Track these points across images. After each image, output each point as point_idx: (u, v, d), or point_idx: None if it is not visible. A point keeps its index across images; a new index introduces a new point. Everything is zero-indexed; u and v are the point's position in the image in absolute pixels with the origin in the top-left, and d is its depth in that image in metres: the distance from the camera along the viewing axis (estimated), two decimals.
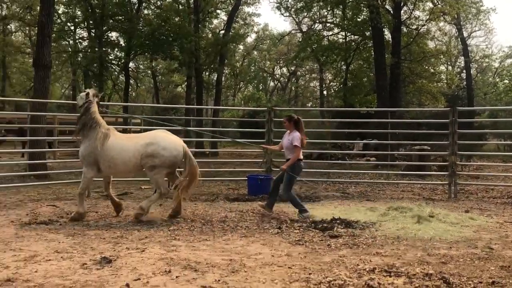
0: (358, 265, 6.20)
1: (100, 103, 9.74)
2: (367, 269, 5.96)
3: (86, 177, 9.29)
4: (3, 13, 35.04)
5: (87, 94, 9.50)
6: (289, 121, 9.88)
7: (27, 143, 16.55)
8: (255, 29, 56.58)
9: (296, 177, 9.85)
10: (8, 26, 41.69)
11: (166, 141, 9.26)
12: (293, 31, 52.21)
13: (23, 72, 42.42)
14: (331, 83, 52.69)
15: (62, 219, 9.19)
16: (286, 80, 68.75)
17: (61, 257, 6.49)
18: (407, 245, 7.37)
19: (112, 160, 9.13)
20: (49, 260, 6.33)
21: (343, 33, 35.17)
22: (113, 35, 35.76)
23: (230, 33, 34.38)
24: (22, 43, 45.91)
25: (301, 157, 9.82)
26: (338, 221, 8.93)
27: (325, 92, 55.76)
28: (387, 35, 29.29)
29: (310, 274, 5.80)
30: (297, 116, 9.96)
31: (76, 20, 34.16)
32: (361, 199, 12.38)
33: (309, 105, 66.95)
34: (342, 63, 35.71)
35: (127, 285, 5.34)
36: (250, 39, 58.59)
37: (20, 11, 27.29)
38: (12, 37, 45.80)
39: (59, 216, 9.48)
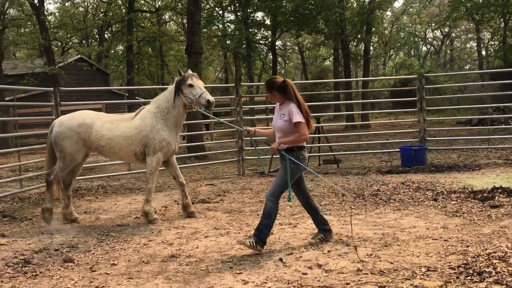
0: None
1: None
2: None
3: None
4: (157, 5, 37.32)
5: None
6: (270, 90, 6.01)
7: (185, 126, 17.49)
8: None
9: (299, 173, 6.03)
10: (163, 17, 44.26)
11: None
12: None
13: (179, 59, 44.76)
14: (490, 43, 49.12)
15: (219, 197, 9.64)
16: (440, 43, 65.36)
17: (219, 233, 6.84)
18: None
19: None
20: (208, 236, 6.71)
21: None
22: (259, 15, 36.54)
23: None
24: (176, 32, 48.60)
25: (304, 143, 6.01)
26: (499, 190, 8.38)
27: (483, 53, 52.19)
28: None
29: (467, 246, 5.52)
30: (282, 78, 6.07)
31: (223, 4, 35.32)
32: None
33: (467, 67, 63.22)
34: (501, 19, 33.05)
35: (281, 259, 5.48)
36: (398, 3, 56.54)
37: (171, 1, 29.06)
38: (167, 26, 48.62)
39: (216, 194, 9.95)
